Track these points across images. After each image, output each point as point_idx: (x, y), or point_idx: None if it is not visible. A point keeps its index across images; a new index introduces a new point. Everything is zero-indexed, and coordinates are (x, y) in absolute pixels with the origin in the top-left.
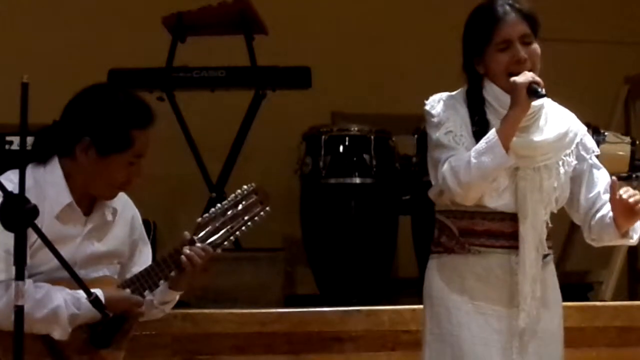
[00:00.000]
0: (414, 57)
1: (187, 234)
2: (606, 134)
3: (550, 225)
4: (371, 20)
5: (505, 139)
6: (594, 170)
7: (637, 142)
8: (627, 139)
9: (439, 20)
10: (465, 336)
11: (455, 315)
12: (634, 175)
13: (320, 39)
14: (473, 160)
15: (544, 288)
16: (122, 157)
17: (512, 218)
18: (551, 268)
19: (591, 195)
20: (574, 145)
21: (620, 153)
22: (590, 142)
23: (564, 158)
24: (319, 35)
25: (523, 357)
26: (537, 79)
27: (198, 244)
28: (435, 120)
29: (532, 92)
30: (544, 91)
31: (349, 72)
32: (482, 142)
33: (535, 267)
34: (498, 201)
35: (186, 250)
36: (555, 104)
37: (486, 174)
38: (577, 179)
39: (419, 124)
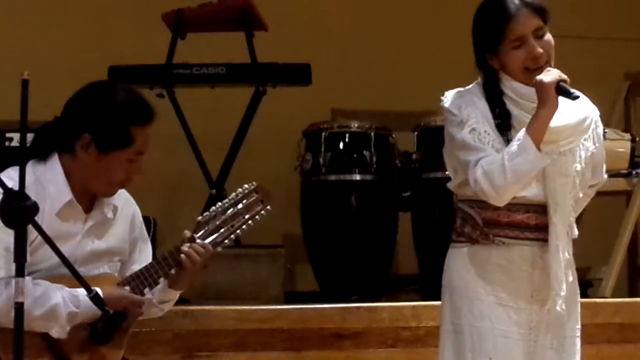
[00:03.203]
0: (414, 54)
1: (187, 232)
2: (606, 130)
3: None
4: (371, 16)
5: (536, 139)
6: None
7: (637, 139)
8: (627, 136)
9: (440, 17)
10: (486, 328)
11: (476, 306)
12: (634, 172)
13: (320, 36)
14: (507, 163)
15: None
16: (122, 154)
17: (537, 210)
18: (571, 261)
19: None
20: (590, 131)
21: (620, 150)
22: (600, 128)
23: (584, 142)
24: (318, 32)
25: (542, 350)
26: (564, 76)
27: (198, 241)
28: (457, 118)
29: (563, 91)
30: (576, 92)
31: (349, 68)
32: (514, 144)
33: (567, 252)
34: (528, 190)
35: (186, 247)
36: None
37: (521, 176)
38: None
39: (419, 121)
